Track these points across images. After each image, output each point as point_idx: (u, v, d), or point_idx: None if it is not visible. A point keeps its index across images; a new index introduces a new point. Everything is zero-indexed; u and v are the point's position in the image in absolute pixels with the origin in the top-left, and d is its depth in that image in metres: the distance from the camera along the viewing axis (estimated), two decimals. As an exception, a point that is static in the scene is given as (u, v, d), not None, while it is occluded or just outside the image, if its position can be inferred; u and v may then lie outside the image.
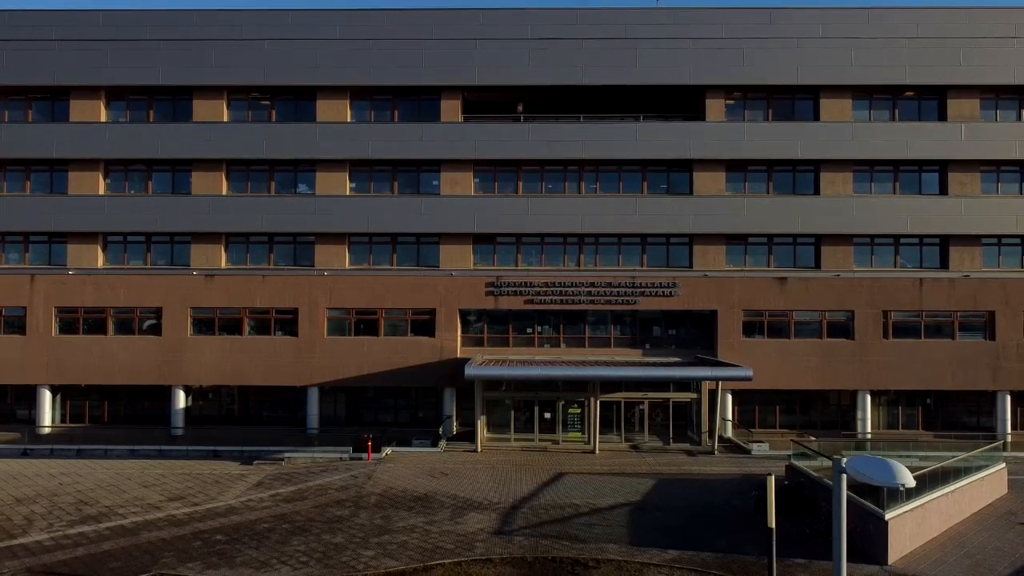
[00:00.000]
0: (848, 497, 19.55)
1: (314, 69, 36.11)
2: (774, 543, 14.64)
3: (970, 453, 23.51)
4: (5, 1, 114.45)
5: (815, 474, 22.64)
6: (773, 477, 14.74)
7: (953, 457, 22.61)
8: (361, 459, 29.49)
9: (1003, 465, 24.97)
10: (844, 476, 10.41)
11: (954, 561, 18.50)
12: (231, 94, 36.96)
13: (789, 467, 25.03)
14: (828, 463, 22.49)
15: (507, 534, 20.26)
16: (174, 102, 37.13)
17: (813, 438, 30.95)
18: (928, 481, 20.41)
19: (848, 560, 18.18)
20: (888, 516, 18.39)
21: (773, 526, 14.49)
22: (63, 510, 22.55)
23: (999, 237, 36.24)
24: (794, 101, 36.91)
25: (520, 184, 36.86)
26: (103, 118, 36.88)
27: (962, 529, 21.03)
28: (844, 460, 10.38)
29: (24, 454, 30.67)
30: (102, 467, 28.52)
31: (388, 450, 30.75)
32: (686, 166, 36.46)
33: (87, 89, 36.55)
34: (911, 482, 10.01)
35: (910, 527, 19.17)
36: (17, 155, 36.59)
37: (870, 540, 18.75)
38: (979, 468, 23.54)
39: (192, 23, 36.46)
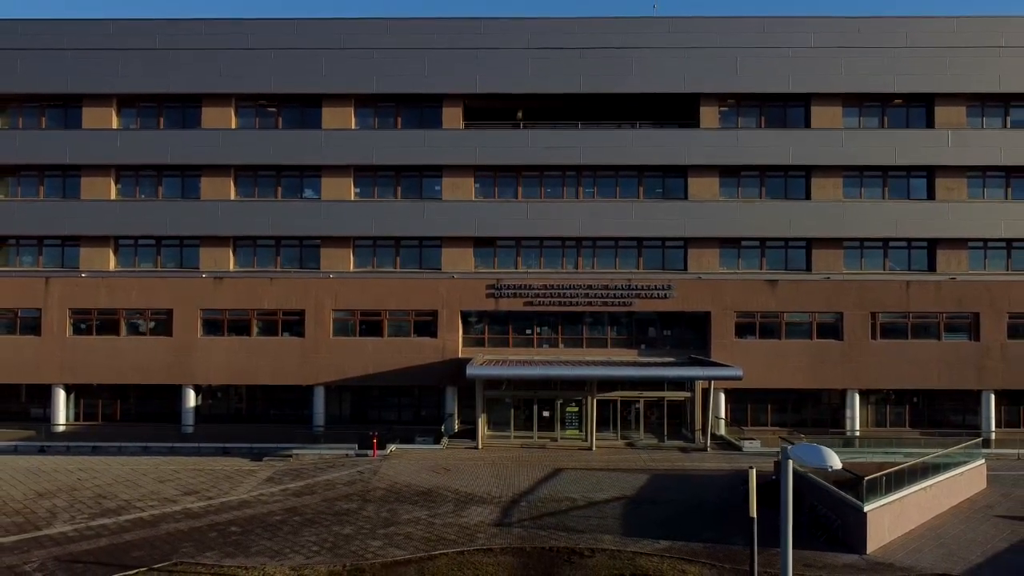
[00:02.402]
0: (830, 491, 21.03)
1: (319, 77, 37.22)
2: (755, 532, 15.67)
3: (949, 450, 24.61)
4: (18, 10, 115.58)
5: (800, 469, 23.67)
6: (755, 470, 15.77)
7: (933, 454, 23.74)
8: (366, 456, 30.60)
9: (982, 461, 26.06)
10: (790, 461, 11.71)
11: (929, 551, 19.60)
12: (239, 102, 38.06)
13: (777, 463, 26.08)
14: (814, 459, 23.65)
15: (507, 526, 21.35)
16: (184, 109, 38.24)
17: (803, 436, 32.02)
18: (907, 476, 21.55)
19: (829, 549, 19.63)
20: (867, 508, 19.48)
21: (755, 516, 15.54)
22: (84, 503, 23.64)
23: (985, 241, 37.36)
24: (786, 108, 38.00)
25: (520, 189, 37.96)
26: (115, 125, 37.99)
27: (940, 521, 22.11)
28: (789, 447, 11.56)
29: (41, 451, 31.77)
30: (117, 463, 29.62)
31: (392, 447, 31.84)
32: (681, 171, 37.55)
33: (99, 97, 37.68)
34: (838, 464, 11.66)
35: (889, 519, 20.27)
36: (31, 161, 37.77)
37: (850, 530, 19.85)
38: (959, 464, 24.65)
39: (200, 32, 37.56)
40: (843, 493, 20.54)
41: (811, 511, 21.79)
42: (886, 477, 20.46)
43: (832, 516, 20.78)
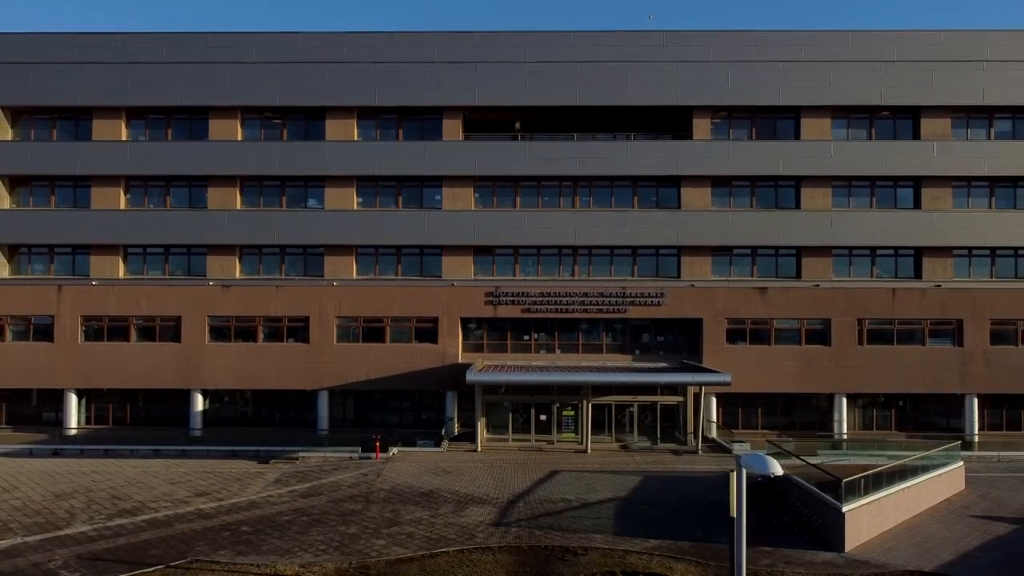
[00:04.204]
0: (811, 491, 22.21)
1: (322, 90, 38.30)
2: (735, 531, 16.69)
3: (927, 452, 25.68)
4: (28, 25, 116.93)
5: (786, 472, 24.75)
6: (735, 473, 16.85)
7: (912, 456, 24.81)
8: (370, 458, 31.69)
9: (960, 463, 27.10)
10: (744, 469, 12.93)
11: (904, 549, 20.68)
12: (245, 114, 39.13)
13: (764, 465, 27.14)
14: (799, 462, 24.83)
15: (505, 525, 22.42)
16: (191, 121, 39.33)
17: (790, 439, 33.13)
18: (886, 478, 22.63)
19: (809, 547, 20.78)
20: (845, 509, 20.57)
21: (735, 515, 16.52)
22: (100, 504, 24.72)
23: (970, 249, 38.42)
24: (776, 120, 39.06)
25: (518, 199, 39.03)
26: (124, 136, 39.06)
27: (917, 521, 23.16)
28: (741, 457, 12.80)
29: (55, 454, 32.88)
30: (129, 466, 30.70)
31: (395, 450, 32.91)
32: (674, 182, 38.63)
33: (108, 109, 38.75)
34: (779, 471, 13.02)
35: (866, 519, 21.35)
36: (43, 171, 38.85)
37: (830, 529, 20.94)
38: (937, 466, 25.70)
39: (206, 46, 38.58)
40: (823, 494, 21.63)
41: (794, 511, 22.90)
42: (864, 479, 21.54)
43: (813, 516, 21.88)
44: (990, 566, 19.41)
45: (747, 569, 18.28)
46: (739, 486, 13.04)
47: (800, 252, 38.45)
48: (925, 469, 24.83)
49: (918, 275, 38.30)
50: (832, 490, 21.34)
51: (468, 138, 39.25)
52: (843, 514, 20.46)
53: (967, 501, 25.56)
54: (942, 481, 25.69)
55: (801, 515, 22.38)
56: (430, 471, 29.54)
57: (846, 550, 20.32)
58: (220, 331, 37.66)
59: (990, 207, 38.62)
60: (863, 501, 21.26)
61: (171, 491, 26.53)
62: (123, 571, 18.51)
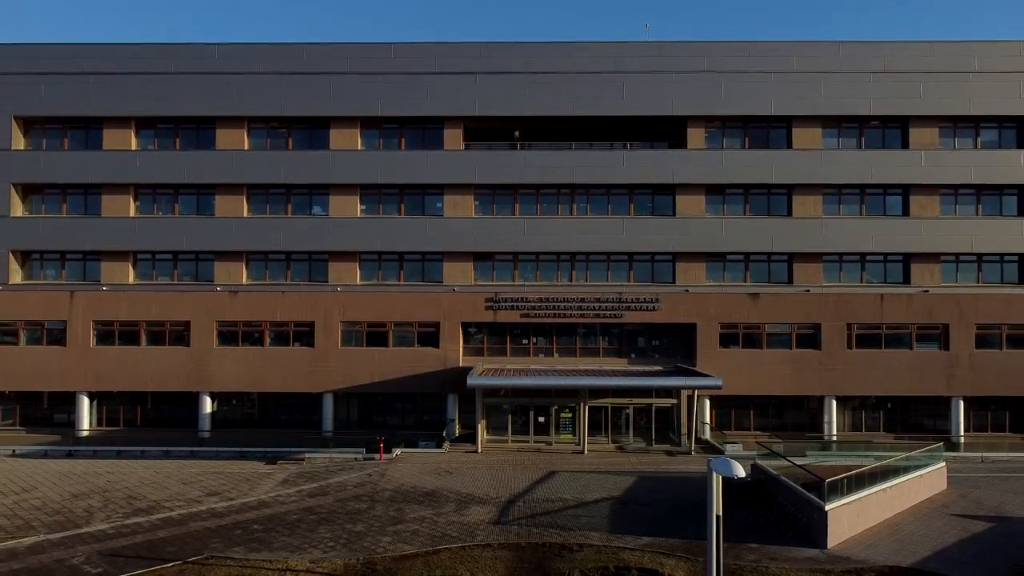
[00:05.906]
0: (797, 491, 23.26)
1: (327, 101, 39.38)
2: (717, 528, 17.72)
3: (909, 453, 26.71)
4: (37, 35, 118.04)
5: (773, 472, 25.85)
6: (717, 474, 17.90)
7: (895, 457, 25.83)
8: (374, 459, 32.73)
9: (942, 464, 28.12)
10: (715, 473, 14.06)
11: (884, 545, 21.67)
12: (251, 123, 40.20)
13: (754, 465, 28.20)
14: (786, 463, 25.86)
15: (504, 524, 23.41)
16: (198, 131, 40.39)
17: (780, 440, 34.16)
18: (868, 478, 23.65)
19: (793, 544, 21.85)
20: (828, 507, 21.56)
21: (720, 513, 17.57)
22: (117, 504, 25.73)
23: (956, 255, 39.53)
24: (769, 130, 40.13)
25: (517, 206, 40.07)
26: (133, 146, 40.13)
27: (898, 519, 24.15)
28: (711, 460, 13.94)
29: (69, 455, 33.88)
30: (142, 466, 31.71)
31: (398, 451, 33.96)
32: (669, 189, 39.70)
33: (118, 119, 39.84)
34: (741, 473, 14.06)
35: (848, 517, 22.36)
36: (54, 180, 39.93)
37: (812, 527, 21.95)
38: (919, 467, 26.69)
39: (214, 57, 39.66)
40: (808, 493, 22.63)
41: (780, 510, 23.95)
42: (847, 479, 22.54)
43: (798, 514, 22.90)
44: (965, 562, 20.40)
45: (734, 564, 19.47)
46: (710, 487, 14.11)
47: (792, 258, 39.53)
48: (907, 470, 25.80)
49: (906, 280, 39.37)
50: (816, 489, 22.31)
51: (468, 147, 40.29)
52: (826, 512, 21.44)
53: (948, 500, 26.55)
54: (924, 481, 26.69)
55: (787, 513, 23.40)
56: (432, 471, 30.55)
57: (828, 547, 21.28)
58: (228, 335, 38.72)
59: (977, 214, 39.68)
60: (845, 500, 22.24)
61: (184, 491, 27.54)
62: (143, 567, 19.47)
